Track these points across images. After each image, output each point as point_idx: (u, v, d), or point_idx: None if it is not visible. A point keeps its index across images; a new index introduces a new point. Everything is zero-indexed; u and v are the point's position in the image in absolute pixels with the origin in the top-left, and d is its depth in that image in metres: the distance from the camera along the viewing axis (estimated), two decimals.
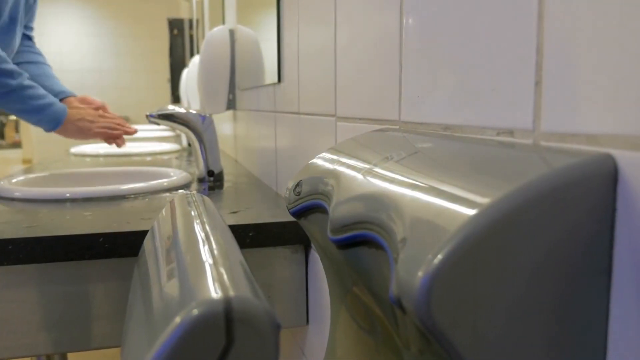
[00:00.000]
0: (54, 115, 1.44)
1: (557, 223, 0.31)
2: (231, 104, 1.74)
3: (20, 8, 1.47)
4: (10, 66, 1.36)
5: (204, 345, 0.35)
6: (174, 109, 1.40)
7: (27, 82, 1.38)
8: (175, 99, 4.29)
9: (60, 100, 1.53)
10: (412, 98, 0.57)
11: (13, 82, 1.35)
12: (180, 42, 4.96)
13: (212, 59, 1.68)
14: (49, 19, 6.72)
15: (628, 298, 0.31)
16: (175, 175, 1.35)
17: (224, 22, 1.99)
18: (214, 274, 0.41)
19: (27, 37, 1.66)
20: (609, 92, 0.32)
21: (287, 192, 0.56)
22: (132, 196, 1.16)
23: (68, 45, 6.86)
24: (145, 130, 3.71)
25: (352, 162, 0.49)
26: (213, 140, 1.40)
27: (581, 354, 0.33)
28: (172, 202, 0.68)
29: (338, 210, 0.44)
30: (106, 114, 1.58)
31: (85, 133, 1.52)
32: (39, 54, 1.68)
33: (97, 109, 1.58)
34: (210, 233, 0.52)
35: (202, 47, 1.73)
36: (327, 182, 0.50)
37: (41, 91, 1.42)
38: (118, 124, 1.59)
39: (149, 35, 6.97)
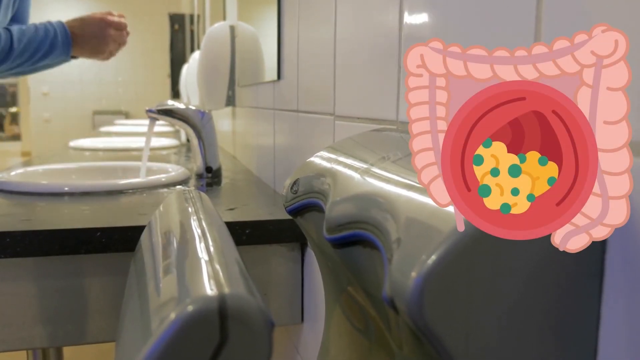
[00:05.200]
0: (62, 47, 1.26)
1: None
2: (230, 101, 1.74)
3: None
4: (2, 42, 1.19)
5: (198, 341, 0.36)
6: (173, 105, 1.40)
7: (16, 36, 1.20)
8: (175, 95, 4.28)
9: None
10: None
11: (12, 53, 1.19)
12: (180, 37, 4.95)
13: (212, 55, 1.68)
14: (49, 12, 6.71)
15: (619, 301, 0.32)
16: (174, 170, 1.35)
17: (224, 18, 1.99)
18: (209, 270, 0.41)
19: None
20: None
21: (284, 190, 0.56)
22: (130, 191, 1.16)
23: None
24: (144, 125, 3.71)
25: (349, 161, 0.49)
26: (212, 137, 1.40)
27: (572, 357, 0.33)
28: (169, 198, 0.69)
29: (334, 209, 0.45)
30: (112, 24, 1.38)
31: (98, 52, 1.34)
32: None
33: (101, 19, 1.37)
34: (206, 230, 0.52)
35: (202, 43, 1.72)
36: (323, 181, 0.50)
37: (34, 35, 1.23)
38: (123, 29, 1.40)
39: (150, 30, 6.96)
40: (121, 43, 1.42)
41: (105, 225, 0.84)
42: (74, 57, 1.40)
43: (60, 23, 1.29)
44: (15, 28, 1.24)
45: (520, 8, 0.41)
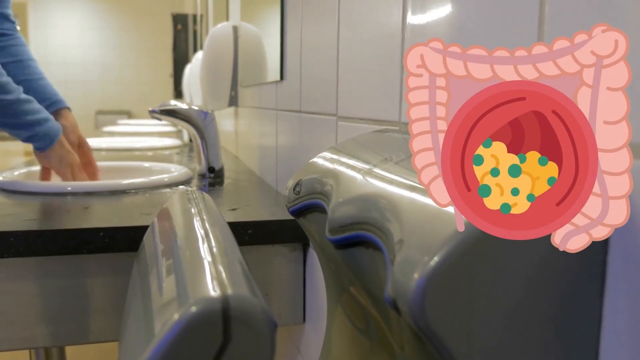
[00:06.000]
0: (49, 132, 1.22)
1: None
2: (233, 101, 1.74)
3: None
4: (4, 79, 1.15)
5: (201, 342, 0.36)
6: (176, 105, 1.40)
7: (24, 95, 1.17)
8: (178, 95, 4.29)
9: (52, 112, 1.29)
10: None
11: (8, 97, 1.14)
12: (183, 37, 4.95)
13: (215, 55, 1.68)
14: (53, 11, 6.72)
15: (621, 302, 0.32)
16: (176, 170, 1.35)
17: (227, 19, 1.99)
18: (212, 271, 0.41)
19: (5, 18, 1.36)
20: None
21: (287, 191, 0.56)
22: (133, 191, 1.17)
23: (72, 39, 6.86)
24: (147, 125, 3.72)
25: (351, 162, 0.49)
26: (214, 137, 1.40)
27: (574, 357, 0.33)
28: (172, 199, 0.69)
29: (337, 210, 0.45)
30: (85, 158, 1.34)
31: (59, 167, 1.26)
32: (23, 45, 1.39)
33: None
34: (209, 230, 0.53)
35: (205, 43, 1.73)
36: (326, 182, 0.50)
37: (36, 105, 1.20)
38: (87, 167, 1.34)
39: (153, 30, 6.96)
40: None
41: (108, 225, 0.84)
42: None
43: (58, 127, 1.24)
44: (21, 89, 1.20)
45: (523, 10, 0.41)
